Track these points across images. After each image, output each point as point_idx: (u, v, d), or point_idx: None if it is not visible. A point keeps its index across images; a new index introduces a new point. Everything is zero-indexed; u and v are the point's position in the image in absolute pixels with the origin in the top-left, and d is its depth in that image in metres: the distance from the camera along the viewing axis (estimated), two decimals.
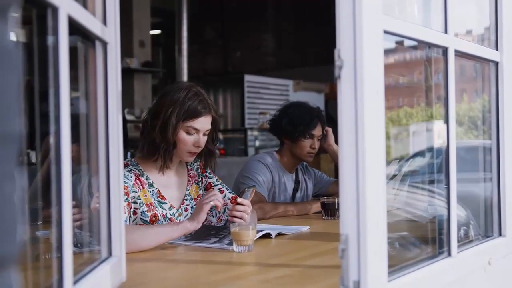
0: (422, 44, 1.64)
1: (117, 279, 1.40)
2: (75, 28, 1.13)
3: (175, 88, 2.26)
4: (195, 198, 2.39)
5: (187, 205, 2.36)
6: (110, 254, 1.39)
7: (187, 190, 2.39)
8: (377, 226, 1.21)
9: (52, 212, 1.07)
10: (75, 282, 1.11)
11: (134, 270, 1.61)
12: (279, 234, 2.22)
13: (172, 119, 2.18)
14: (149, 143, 2.24)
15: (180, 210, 2.32)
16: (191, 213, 2.33)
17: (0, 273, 0.56)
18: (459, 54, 1.61)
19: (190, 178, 2.42)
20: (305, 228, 2.39)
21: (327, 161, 6.88)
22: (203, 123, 2.24)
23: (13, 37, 0.58)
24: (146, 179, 2.25)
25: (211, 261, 1.80)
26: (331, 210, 2.68)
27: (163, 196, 2.27)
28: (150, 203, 2.21)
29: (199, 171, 2.46)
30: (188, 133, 2.23)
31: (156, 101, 2.30)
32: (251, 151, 7.38)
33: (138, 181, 2.19)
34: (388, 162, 1.31)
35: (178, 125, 2.20)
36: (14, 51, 0.58)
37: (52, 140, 1.03)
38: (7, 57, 0.56)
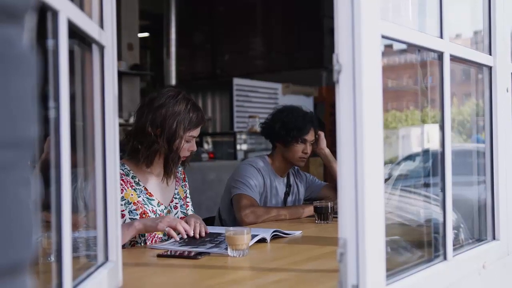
0: (411, 48, 1.65)
1: (113, 284, 1.39)
2: (72, 31, 1.12)
3: (170, 99, 2.31)
4: (182, 198, 2.49)
5: (176, 203, 2.45)
6: (106, 259, 1.38)
7: (176, 189, 2.47)
8: (375, 230, 1.21)
9: (46, 216, 1.07)
10: (74, 287, 1.10)
11: (130, 275, 1.60)
12: (275, 236, 2.23)
13: (179, 132, 2.28)
14: (153, 153, 2.30)
15: (169, 207, 2.40)
16: (181, 211, 2.44)
17: (18, 278, 0.56)
18: (454, 58, 1.62)
19: (177, 179, 2.51)
20: (298, 233, 2.39)
21: (315, 164, 6.89)
22: (199, 130, 2.38)
23: (29, 41, 0.58)
24: (132, 178, 2.32)
25: (206, 265, 1.80)
26: (324, 214, 2.68)
27: (150, 193, 2.34)
28: (137, 201, 2.27)
29: (182, 176, 2.56)
30: (188, 141, 2.34)
31: (149, 109, 2.30)
32: (240, 154, 7.36)
33: (121, 181, 2.22)
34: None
35: (184, 136, 2.30)
36: (31, 56, 0.57)
37: (52, 144, 1.02)
38: (24, 63, 0.56)
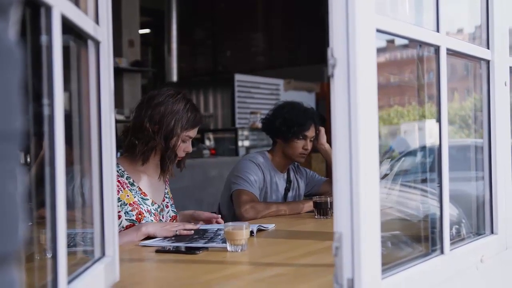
0: (413, 43, 1.65)
1: (110, 278, 1.39)
2: (67, 27, 1.12)
3: (170, 98, 2.33)
4: (171, 197, 2.53)
5: (167, 202, 2.48)
6: (103, 254, 1.39)
7: (166, 189, 2.51)
8: (370, 223, 1.22)
9: (44, 213, 1.07)
10: (69, 282, 1.11)
11: (127, 270, 1.60)
12: (259, 230, 2.28)
13: (177, 130, 2.30)
14: (150, 150, 2.32)
15: (161, 206, 2.43)
16: (172, 210, 2.48)
17: (4, 270, 0.57)
18: (451, 52, 1.62)
19: (167, 179, 2.54)
20: (271, 226, 2.42)
21: (317, 160, 6.90)
22: (196, 131, 2.41)
23: (13, 36, 0.58)
24: (127, 178, 2.34)
25: (204, 260, 1.80)
26: (323, 209, 2.69)
27: (144, 192, 2.36)
28: (133, 202, 2.30)
29: (168, 177, 2.58)
30: (183, 141, 2.36)
31: (148, 106, 2.32)
32: (241, 151, 7.37)
33: (117, 182, 2.24)
34: (380, 161, 1.31)
35: (181, 135, 2.32)
36: (15, 50, 0.58)
37: (45, 141, 1.02)
38: (8, 56, 0.56)
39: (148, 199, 2.36)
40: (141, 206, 2.30)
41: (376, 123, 1.24)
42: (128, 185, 2.31)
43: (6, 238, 0.56)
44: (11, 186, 0.57)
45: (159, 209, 2.39)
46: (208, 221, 2.45)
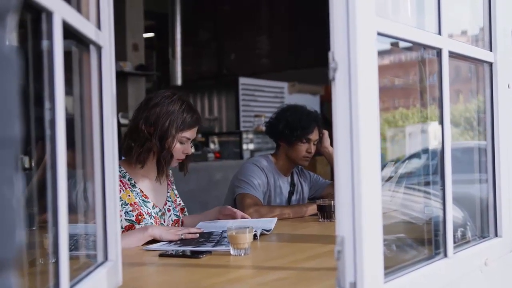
0: (417, 46, 1.65)
1: (113, 283, 1.39)
2: (69, 32, 1.13)
3: (165, 99, 2.34)
4: (173, 201, 2.52)
5: (169, 206, 2.48)
6: (106, 258, 1.39)
7: (168, 192, 2.51)
8: (373, 227, 1.21)
9: (47, 217, 1.07)
10: (72, 287, 1.11)
11: (130, 275, 1.60)
12: (262, 234, 2.27)
13: (171, 131, 2.30)
14: (146, 151, 2.32)
15: (163, 210, 2.43)
16: (173, 214, 2.48)
17: (2, 275, 0.57)
18: (453, 55, 1.62)
19: (169, 183, 2.55)
20: (274, 220, 2.45)
21: (322, 163, 6.88)
22: (194, 132, 2.40)
23: (11, 41, 0.59)
24: (129, 180, 2.35)
25: (208, 264, 1.80)
26: (327, 212, 2.68)
27: (146, 195, 2.37)
28: (134, 203, 2.31)
29: (172, 179, 2.60)
30: (181, 142, 2.36)
31: (145, 108, 2.34)
32: (246, 154, 7.37)
33: (120, 182, 2.25)
34: (384, 164, 1.31)
35: (176, 136, 2.32)
36: (13, 55, 0.58)
37: (47, 145, 1.02)
38: (5, 62, 0.56)
39: (149, 201, 2.36)
40: (141, 207, 2.31)
41: (378, 126, 1.24)
42: (130, 186, 2.32)
43: (3, 244, 0.57)
44: (8, 193, 0.57)
45: (160, 213, 2.39)
46: (233, 216, 2.50)
